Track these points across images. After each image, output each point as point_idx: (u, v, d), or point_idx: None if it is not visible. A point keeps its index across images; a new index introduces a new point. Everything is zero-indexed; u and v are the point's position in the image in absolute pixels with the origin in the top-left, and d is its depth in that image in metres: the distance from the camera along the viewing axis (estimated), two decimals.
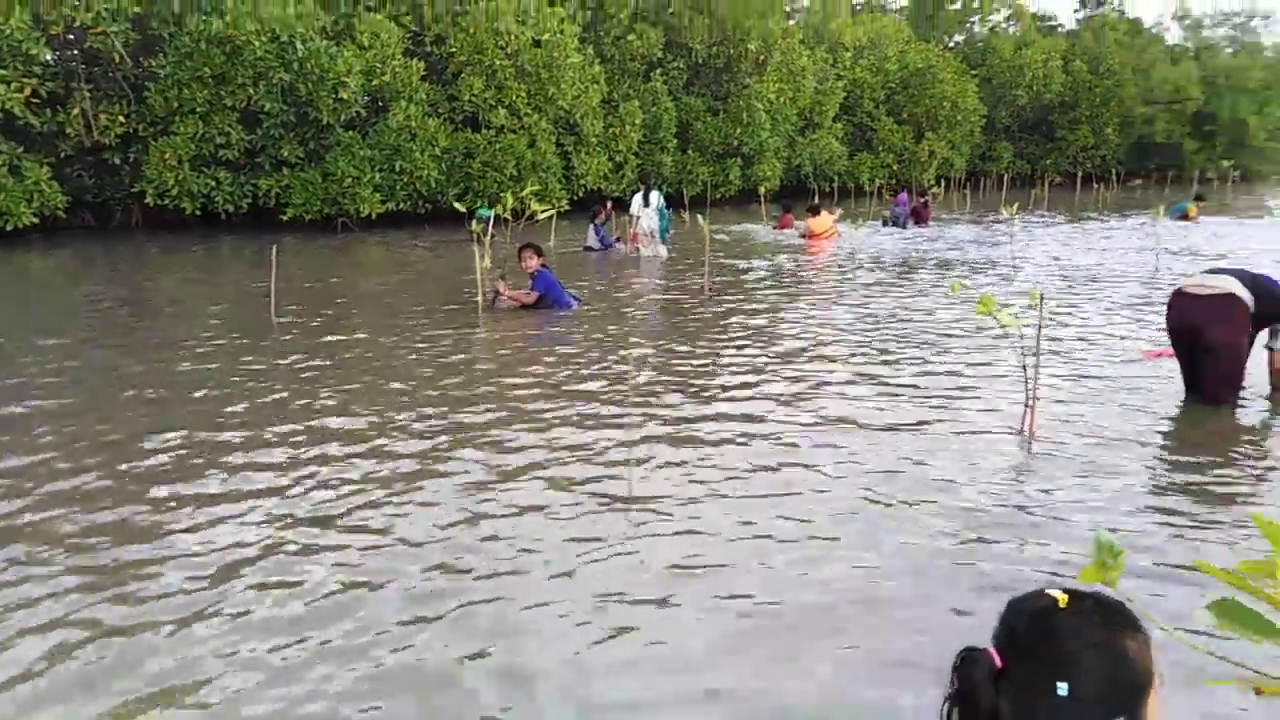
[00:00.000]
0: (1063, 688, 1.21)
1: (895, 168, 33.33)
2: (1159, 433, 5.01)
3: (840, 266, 12.83)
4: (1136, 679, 1.25)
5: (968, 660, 1.30)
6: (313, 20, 17.59)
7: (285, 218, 17.95)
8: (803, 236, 17.01)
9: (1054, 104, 40.53)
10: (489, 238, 9.33)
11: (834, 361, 6.65)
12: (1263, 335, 5.49)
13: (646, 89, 24.39)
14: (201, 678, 2.60)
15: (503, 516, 3.74)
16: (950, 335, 7.53)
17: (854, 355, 6.84)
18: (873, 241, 16.25)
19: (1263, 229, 18.25)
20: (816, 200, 21.90)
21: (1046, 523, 3.67)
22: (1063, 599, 1.28)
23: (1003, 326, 4.70)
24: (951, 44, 42.49)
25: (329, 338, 7.58)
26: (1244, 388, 5.40)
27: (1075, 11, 48.56)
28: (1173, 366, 5.79)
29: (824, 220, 16.80)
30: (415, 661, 2.69)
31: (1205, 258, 13.06)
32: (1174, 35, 49.18)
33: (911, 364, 6.50)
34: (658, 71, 24.99)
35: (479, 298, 8.88)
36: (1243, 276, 5.39)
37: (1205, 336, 5.28)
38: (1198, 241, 15.61)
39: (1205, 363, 5.36)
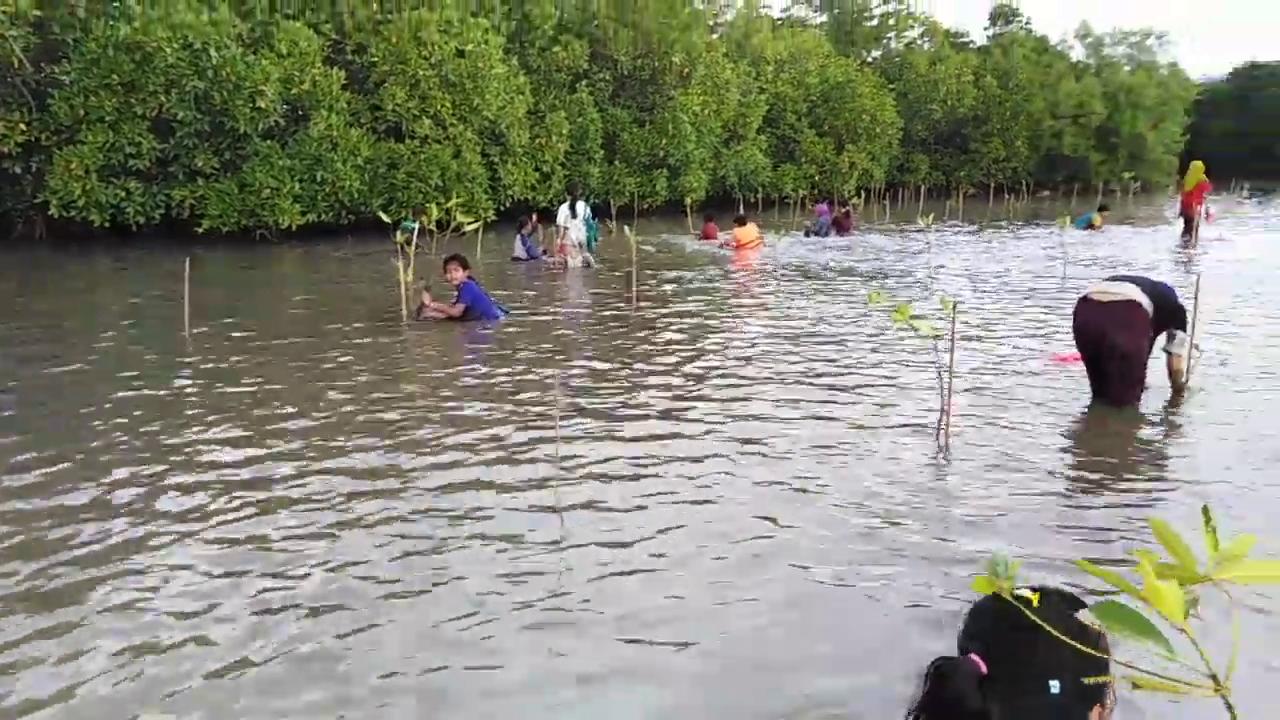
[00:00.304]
0: (1055, 685, 1.22)
1: (818, 179, 34.03)
2: (1067, 436, 5.22)
3: (765, 276, 13.04)
4: (1104, 660, 1.28)
5: (947, 668, 1.27)
6: (228, 27, 17.12)
7: (200, 229, 17.39)
8: (724, 247, 17.24)
9: (967, 117, 41.95)
10: (413, 249, 9.22)
11: (755, 372, 6.75)
12: (1161, 339, 5.77)
13: (573, 100, 24.42)
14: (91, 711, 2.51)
15: (411, 521, 3.70)
16: (868, 344, 7.72)
17: (775, 365, 6.95)
18: (796, 252, 16.56)
19: (1159, 237, 19.18)
20: (742, 211, 22.20)
21: (961, 529, 3.79)
22: (1034, 598, 1.25)
23: (919, 335, 4.85)
24: (869, 59, 43.65)
25: (243, 354, 7.36)
26: (1145, 388, 5.67)
27: (985, 29, 50.42)
28: (1079, 371, 6.04)
29: (749, 231, 17.06)
30: (302, 681, 2.64)
31: (1109, 265, 13.66)
32: (1078, 53, 51.37)
33: (830, 373, 6.64)
34: (583, 83, 25.04)
35: (403, 310, 8.74)
36: (1143, 284, 5.67)
37: (1109, 341, 5.53)
38: (1102, 250, 16.33)
39: (1109, 367, 5.61)
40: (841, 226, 20.37)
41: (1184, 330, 5.74)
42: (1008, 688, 1.24)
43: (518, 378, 6.47)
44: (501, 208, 21.28)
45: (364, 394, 5.96)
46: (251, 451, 4.74)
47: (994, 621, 1.32)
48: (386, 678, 2.66)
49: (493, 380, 6.41)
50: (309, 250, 17.10)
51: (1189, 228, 17.59)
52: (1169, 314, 5.64)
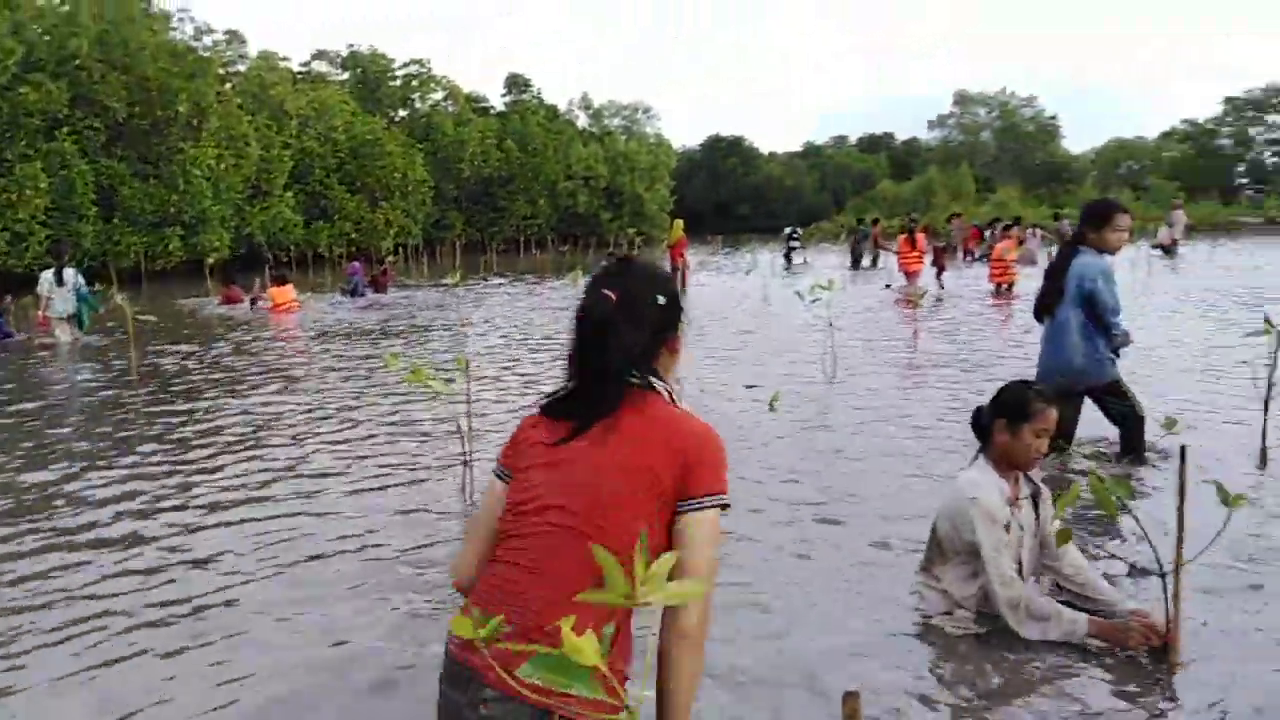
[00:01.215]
0: (660, 299, 1.79)
1: (355, 236, 33.68)
2: None
3: (296, 341, 12.55)
4: (677, 306, 1.89)
5: (589, 302, 1.82)
6: None
7: None
8: (257, 309, 16.29)
9: (494, 177, 44.82)
10: None
11: (277, 443, 6.51)
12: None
13: (52, 149, 21.19)
14: None
15: None
16: (395, 404, 7.82)
17: (298, 435, 6.75)
18: (334, 314, 16.19)
19: None
20: (277, 269, 21.09)
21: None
22: (634, 255, 2.06)
23: (436, 394, 5.12)
24: (397, 118, 44.48)
25: None
26: None
27: (503, 95, 54.24)
28: None
29: (287, 292, 16.32)
30: None
31: None
32: (583, 121, 57.86)
33: (355, 436, 6.64)
34: (65, 130, 21.87)
35: None
36: None
37: None
38: None
39: None
40: (379, 284, 20.38)
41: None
42: (631, 306, 1.79)
43: None
44: None
45: None
46: None
47: (622, 270, 1.87)
48: None
49: None
50: None
51: (673, 277, 20.79)
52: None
